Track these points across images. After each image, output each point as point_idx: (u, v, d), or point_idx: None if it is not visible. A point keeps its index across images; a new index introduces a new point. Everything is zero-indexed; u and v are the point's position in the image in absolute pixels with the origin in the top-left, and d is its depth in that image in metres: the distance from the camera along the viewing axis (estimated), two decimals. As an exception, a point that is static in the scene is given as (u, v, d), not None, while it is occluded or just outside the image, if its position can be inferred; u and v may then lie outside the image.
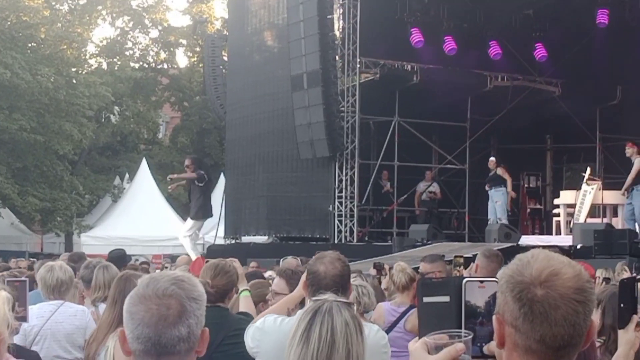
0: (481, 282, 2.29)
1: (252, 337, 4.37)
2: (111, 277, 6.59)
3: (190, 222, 15.75)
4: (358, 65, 20.88)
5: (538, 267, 2.16)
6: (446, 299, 2.30)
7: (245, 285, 5.93)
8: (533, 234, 22.64)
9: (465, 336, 2.22)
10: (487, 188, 20.25)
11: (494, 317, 2.21)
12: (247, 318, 5.37)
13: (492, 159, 20.66)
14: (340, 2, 20.89)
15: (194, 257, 14.68)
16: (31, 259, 21.45)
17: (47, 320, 6.27)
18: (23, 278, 5.39)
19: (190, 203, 16.01)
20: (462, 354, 2.21)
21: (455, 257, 8.14)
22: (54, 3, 38.89)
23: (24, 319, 4.69)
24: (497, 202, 19.84)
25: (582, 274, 2.18)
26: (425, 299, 2.34)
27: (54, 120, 32.33)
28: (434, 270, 7.36)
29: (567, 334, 2.13)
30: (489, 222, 19.52)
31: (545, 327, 2.12)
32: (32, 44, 33.82)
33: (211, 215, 16.28)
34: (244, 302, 5.80)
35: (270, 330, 4.27)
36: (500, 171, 19.96)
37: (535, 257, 2.19)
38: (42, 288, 6.52)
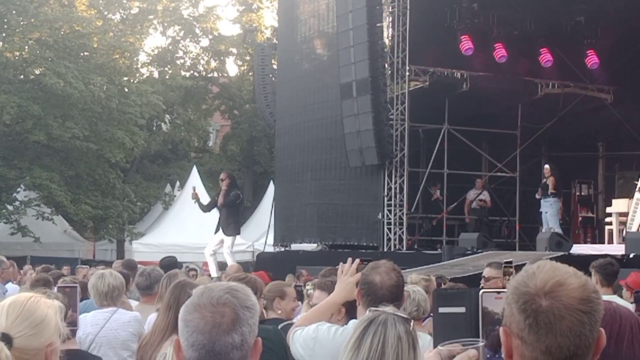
0: (497, 293, 2.30)
1: (303, 345, 4.35)
2: None
3: (230, 238, 16.30)
4: (407, 73, 20.83)
5: (543, 277, 2.15)
6: (462, 309, 2.31)
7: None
8: (585, 242, 22.39)
9: (477, 343, 2.24)
10: (537, 196, 20.06)
11: (500, 329, 2.20)
12: (268, 326, 5.40)
13: (547, 166, 20.49)
14: (390, 10, 20.88)
15: (215, 272, 15.28)
16: (82, 266, 21.72)
17: (102, 328, 6.35)
18: (74, 284, 5.48)
19: (223, 219, 16.48)
20: None
21: (505, 266, 8.08)
22: (106, 13, 39.44)
23: (74, 324, 4.77)
24: (547, 212, 19.65)
25: (588, 285, 2.17)
26: (441, 310, 2.36)
27: (106, 129, 32.73)
28: (499, 276, 7.43)
29: (573, 344, 2.11)
30: (540, 231, 19.33)
31: (551, 338, 2.11)
32: (85, 53, 34.29)
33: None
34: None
35: (325, 341, 4.26)
36: (549, 181, 19.80)
37: (541, 268, 2.19)
38: (94, 296, 6.60)
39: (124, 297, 6.99)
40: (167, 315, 5.17)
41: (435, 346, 2.29)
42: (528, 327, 2.12)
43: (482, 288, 2.35)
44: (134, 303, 7.52)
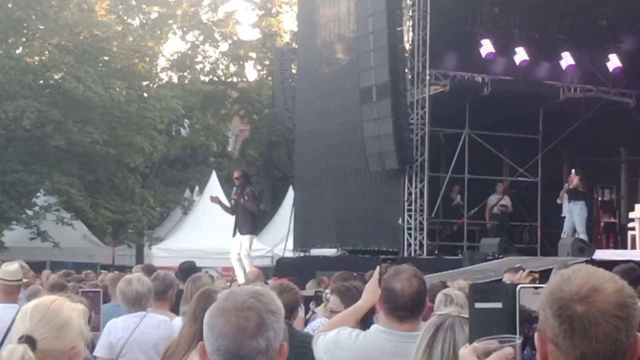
0: (535, 288, 2.29)
1: (325, 349, 4.36)
2: (201, 288, 6.79)
3: (247, 237, 15.82)
4: (428, 77, 20.80)
5: (578, 282, 2.13)
6: (498, 305, 2.30)
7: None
8: (607, 248, 22.24)
9: (514, 340, 2.23)
10: (558, 200, 19.94)
11: (535, 334, 2.19)
12: (306, 333, 5.43)
13: (573, 172, 20.45)
14: (410, 14, 20.86)
15: (243, 278, 14.70)
16: (102, 271, 21.83)
17: (133, 332, 6.40)
18: (97, 289, 5.54)
19: (239, 218, 15.97)
20: (511, 359, 2.21)
21: (530, 272, 8.05)
22: (125, 18, 39.64)
23: (96, 328, 4.82)
24: (577, 216, 19.60)
25: (625, 290, 2.14)
26: (477, 305, 2.34)
27: (126, 134, 32.88)
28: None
29: (609, 350, 2.09)
30: (562, 236, 19.26)
31: (586, 344, 2.09)
32: (105, 58, 34.47)
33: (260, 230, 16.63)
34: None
35: (346, 346, 4.27)
36: (580, 184, 19.80)
37: (576, 273, 2.17)
38: (122, 301, 6.67)
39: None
40: (194, 324, 5.18)
41: (470, 342, 2.29)
42: (563, 333, 2.11)
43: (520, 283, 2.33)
44: None
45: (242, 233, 15.85)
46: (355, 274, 7.55)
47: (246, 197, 15.69)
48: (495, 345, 2.22)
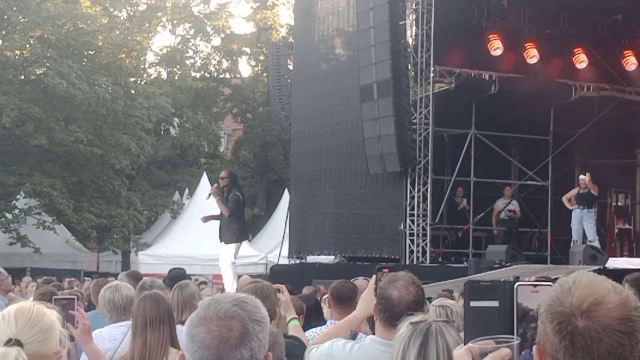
0: (534, 286, 2.27)
1: None
2: (188, 295, 6.78)
3: (232, 246, 15.49)
4: (432, 74, 20.80)
5: (579, 295, 2.10)
6: (495, 303, 2.29)
7: (293, 314, 5.94)
8: (621, 256, 22.25)
9: (511, 341, 2.21)
10: (569, 206, 19.88)
11: (534, 347, 2.17)
12: (296, 342, 5.40)
13: (584, 177, 20.45)
14: (413, 7, 20.86)
15: (235, 284, 14.35)
16: (86, 278, 21.83)
17: (121, 343, 6.38)
18: (71, 296, 5.55)
19: (224, 225, 15.60)
20: None
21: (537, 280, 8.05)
22: (112, 10, 39.61)
23: (72, 338, 4.84)
24: (589, 224, 19.59)
25: (629, 302, 2.12)
26: (473, 304, 2.33)
27: (111, 133, 32.85)
28: None
29: None
30: (572, 243, 19.26)
31: None
32: (89, 52, 34.47)
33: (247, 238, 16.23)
34: (294, 333, 5.80)
35: (340, 358, 4.27)
36: (594, 189, 19.81)
37: (577, 284, 2.14)
38: (109, 310, 6.64)
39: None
40: (144, 334, 5.19)
41: (465, 342, 2.27)
42: (564, 350, 2.09)
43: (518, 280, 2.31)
44: None
45: (225, 242, 15.48)
46: (354, 283, 7.55)
47: (229, 202, 15.28)
48: (491, 346, 2.21)
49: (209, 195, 15.84)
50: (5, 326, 3.16)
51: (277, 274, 21.85)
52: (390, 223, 21.24)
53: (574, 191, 20.61)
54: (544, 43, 22.44)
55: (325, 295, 8.94)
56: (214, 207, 16.35)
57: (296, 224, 24.94)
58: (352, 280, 7.83)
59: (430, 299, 7.87)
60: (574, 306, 2.10)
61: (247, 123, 43.78)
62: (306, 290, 13.58)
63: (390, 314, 4.24)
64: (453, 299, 9.65)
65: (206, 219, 16.34)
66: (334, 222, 23.10)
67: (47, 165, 32.25)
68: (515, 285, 2.26)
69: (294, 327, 5.81)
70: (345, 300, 6.85)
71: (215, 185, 15.97)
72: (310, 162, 24.26)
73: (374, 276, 4.58)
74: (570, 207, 19.95)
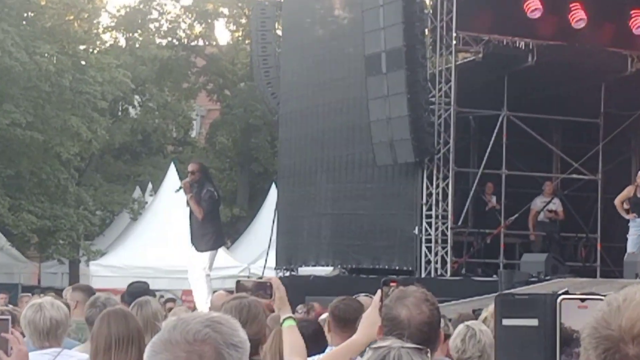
0: (582, 300, 2.25)
1: None
2: (149, 315, 6.77)
3: (206, 254, 15.49)
4: (454, 42, 20.80)
5: (631, 315, 2.10)
6: (533, 322, 2.26)
7: (288, 312, 5.91)
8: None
9: None
10: (626, 216, 19.61)
11: None
12: None
13: None
14: (431, -42, 20.90)
15: (209, 301, 14.34)
16: (24, 294, 21.81)
17: None
18: (4, 316, 5.54)
19: (195, 229, 15.58)
20: None
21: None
22: (57, -39, 39.55)
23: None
24: (634, 235, 19.40)
25: None
26: (506, 322, 2.31)
27: (57, 114, 32.81)
28: None
29: None
30: (627, 253, 19.24)
31: None
32: (30, 14, 34.40)
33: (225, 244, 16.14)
34: (289, 336, 5.76)
35: None
36: None
37: (629, 301, 2.13)
38: (31, 334, 6.60)
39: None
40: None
41: None
42: None
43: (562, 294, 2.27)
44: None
45: (198, 249, 15.51)
46: (359, 300, 7.54)
47: (203, 201, 15.28)
48: None
49: (179, 188, 15.81)
50: None
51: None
52: (402, 226, 21.24)
53: (629, 190, 20.16)
54: (593, 4, 22.43)
55: (322, 316, 8.92)
56: (183, 207, 16.25)
57: (286, 227, 24.93)
58: (354, 297, 7.82)
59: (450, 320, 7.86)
60: (623, 329, 2.08)
61: (225, 102, 43.77)
62: (300, 309, 13.59)
63: (397, 337, 4.22)
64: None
65: (186, 187, 15.84)
66: (333, 225, 23.10)
67: (-24, 154, 32.26)
68: (559, 300, 2.23)
69: (289, 329, 5.78)
70: (350, 323, 6.84)
71: (188, 179, 15.91)
72: (303, 151, 24.25)
73: (378, 292, 4.57)
74: (627, 217, 19.63)
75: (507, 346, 2.30)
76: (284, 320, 5.80)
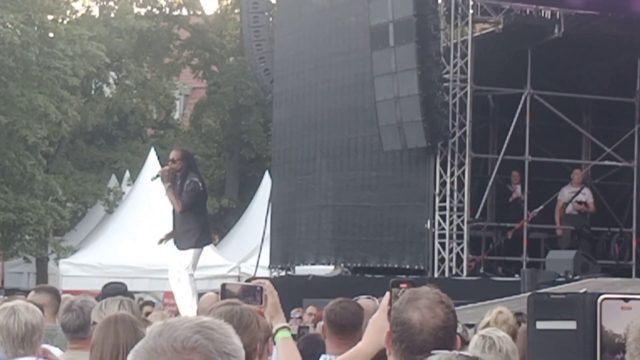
0: (625, 300, 2.25)
1: None
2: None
3: (189, 253, 15.49)
4: (471, 11, 20.80)
5: None
6: (571, 324, 2.27)
7: (282, 321, 5.90)
8: None
9: None
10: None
11: None
12: None
13: None
14: None
15: (195, 305, 14.38)
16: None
17: None
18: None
19: (178, 223, 15.61)
20: None
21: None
22: None
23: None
24: None
25: None
26: (540, 324, 2.32)
27: (22, 92, 32.80)
28: None
29: None
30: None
31: None
32: (-10, -21, 34.38)
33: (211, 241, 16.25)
34: (283, 350, 5.75)
35: None
36: None
37: None
38: (3, 342, 6.61)
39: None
40: None
41: None
42: None
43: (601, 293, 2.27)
44: (56, 351, 7.54)
45: (180, 247, 15.49)
46: (358, 303, 7.52)
47: (184, 193, 15.24)
48: None
49: (156, 175, 15.74)
50: None
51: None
52: (412, 220, 21.27)
53: None
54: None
55: (321, 322, 8.95)
56: (165, 198, 16.21)
57: (281, 220, 24.96)
58: (354, 299, 7.81)
59: (473, 327, 7.88)
60: None
61: (213, 79, 43.73)
62: (294, 313, 13.62)
63: (409, 345, 4.23)
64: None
65: (165, 175, 15.96)
66: (334, 218, 23.11)
67: None
68: (600, 300, 2.23)
69: (283, 342, 5.76)
70: (348, 328, 6.85)
71: (167, 167, 15.87)
72: (300, 135, 24.26)
73: (387, 294, 4.57)
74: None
75: (541, 352, 2.31)
76: (278, 330, 5.77)
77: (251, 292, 5.75)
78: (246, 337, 5.32)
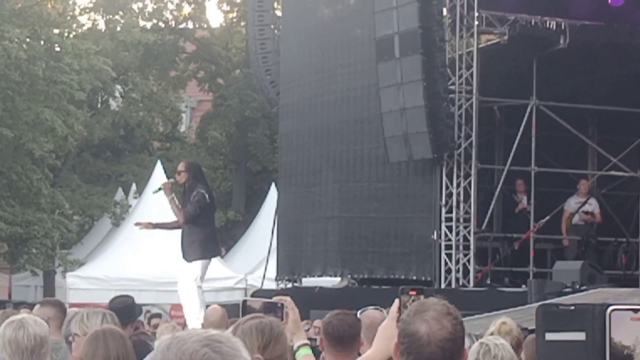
0: (635, 311, 2.24)
1: None
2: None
3: (197, 264, 15.47)
4: (476, 23, 20.79)
5: None
6: (581, 336, 2.27)
7: (303, 338, 5.89)
8: None
9: None
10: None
11: None
12: None
13: None
14: None
15: (201, 317, 14.36)
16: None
17: None
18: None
19: (185, 236, 15.59)
20: None
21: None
22: None
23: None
24: None
25: None
26: (549, 336, 2.31)
27: (28, 107, 32.78)
28: None
29: None
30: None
31: None
32: (-3, -6, 34.42)
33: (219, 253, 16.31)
34: None
35: None
36: None
37: None
38: (11, 354, 6.59)
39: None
40: None
41: None
42: None
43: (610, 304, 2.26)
44: None
45: (187, 259, 15.46)
46: (356, 315, 7.46)
47: (189, 204, 15.22)
48: None
49: (158, 189, 15.79)
50: None
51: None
52: (419, 231, 21.25)
53: None
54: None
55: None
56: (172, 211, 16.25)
57: (287, 232, 24.94)
58: (359, 312, 7.73)
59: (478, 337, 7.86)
60: None
61: (218, 92, 43.72)
62: (305, 325, 13.59)
63: (416, 357, 4.23)
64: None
65: (144, 225, 16.26)
66: (341, 229, 23.10)
67: (-61, 152, 32.30)
68: (609, 311, 2.22)
69: (304, 359, 5.77)
70: (346, 340, 6.82)
71: (172, 180, 15.89)
72: (306, 146, 24.25)
73: (395, 301, 4.56)
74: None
75: None
76: (299, 347, 5.76)
77: (272, 308, 5.76)
78: (279, 348, 5.31)
